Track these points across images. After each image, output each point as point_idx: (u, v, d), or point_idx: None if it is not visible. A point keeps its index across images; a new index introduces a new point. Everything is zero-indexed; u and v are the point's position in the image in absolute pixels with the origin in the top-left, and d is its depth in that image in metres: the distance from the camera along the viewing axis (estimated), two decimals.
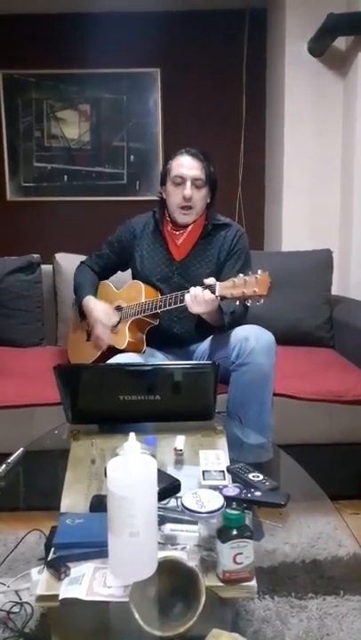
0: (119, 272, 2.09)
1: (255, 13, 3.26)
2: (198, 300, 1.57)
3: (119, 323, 1.87)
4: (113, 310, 1.90)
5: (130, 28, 3.24)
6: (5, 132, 3.38)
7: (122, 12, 3.22)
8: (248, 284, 1.46)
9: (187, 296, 1.60)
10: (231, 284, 1.51)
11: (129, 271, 2.03)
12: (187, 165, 1.81)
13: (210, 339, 1.83)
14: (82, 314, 1.99)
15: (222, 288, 1.53)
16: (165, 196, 1.88)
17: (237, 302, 1.55)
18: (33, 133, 3.39)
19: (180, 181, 1.81)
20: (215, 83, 3.34)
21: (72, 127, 3.40)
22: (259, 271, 1.46)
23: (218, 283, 1.56)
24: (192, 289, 1.60)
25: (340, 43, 2.78)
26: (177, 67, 3.32)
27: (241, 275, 1.49)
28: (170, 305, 1.69)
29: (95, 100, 3.38)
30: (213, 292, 1.55)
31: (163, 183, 1.89)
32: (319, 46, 2.78)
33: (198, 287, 1.59)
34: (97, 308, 1.90)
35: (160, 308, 1.72)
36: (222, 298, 1.55)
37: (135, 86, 3.36)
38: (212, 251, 1.86)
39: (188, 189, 1.79)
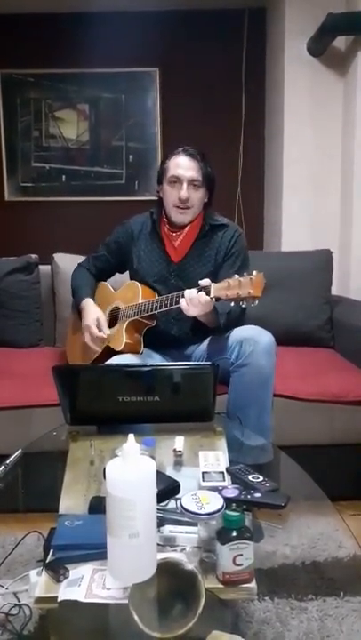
0: (117, 274, 2.08)
1: (254, 13, 3.26)
2: (194, 302, 1.56)
3: (116, 324, 1.86)
4: (107, 320, 1.86)
5: (128, 28, 3.24)
6: (4, 131, 3.37)
7: (121, 11, 3.21)
8: (243, 286, 1.44)
9: (182, 300, 1.59)
10: (226, 285, 1.49)
11: (127, 272, 2.02)
12: (183, 166, 1.79)
13: (208, 340, 1.82)
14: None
15: (217, 289, 1.52)
16: (162, 195, 1.87)
17: (232, 303, 1.54)
18: (31, 133, 3.39)
19: (177, 181, 1.80)
20: (214, 82, 3.33)
21: (71, 127, 3.39)
22: (254, 272, 1.44)
23: (212, 284, 1.54)
24: (187, 292, 1.58)
25: (340, 42, 2.78)
26: (176, 66, 3.31)
27: (236, 276, 1.47)
28: (166, 306, 1.68)
29: (94, 100, 3.38)
30: (208, 294, 1.53)
31: (159, 182, 1.88)
32: (319, 46, 2.78)
33: (193, 289, 1.57)
34: (90, 315, 1.85)
35: (157, 309, 1.71)
36: (217, 299, 1.53)
37: (134, 86, 3.36)
38: (210, 252, 1.85)
39: (184, 191, 1.78)
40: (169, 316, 1.81)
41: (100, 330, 1.82)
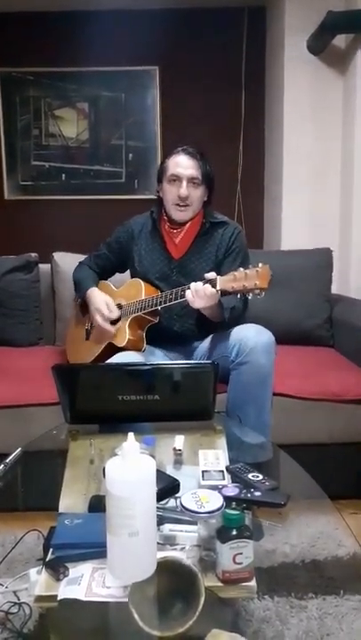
0: (117, 274, 2.08)
1: (254, 11, 3.25)
2: (200, 294, 1.57)
3: (119, 320, 1.86)
4: (115, 305, 1.88)
5: (128, 26, 3.23)
6: (3, 130, 3.36)
7: (120, 9, 3.20)
8: (249, 277, 1.46)
9: (187, 292, 1.59)
10: (232, 277, 1.50)
11: (127, 272, 2.02)
12: (183, 165, 1.80)
13: (210, 338, 1.82)
14: (84, 307, 1.97)
15: (223, 282, 1.53)
16: (162, 194, 1.88)
17: (238, 296, 1.54)
18: (31, 132, 3.38)
19: (176, 179, 1.80)
20: (214, 81, 3.32)
21: (70, 125, 3.38)
22: (260, 264, 1.46)
23: (219, 277, 1.55)
24: (193, 284, 1.59)
25: (340, 40, 2.77)
26: (176, 65, 3.31)
27: (241, 268, 1.49)
28: (170, 301, 1.69)
29: (93, 99, 3.37)
30: (214, 287, 1.54)
31: (159, 181, 1.88)
32: (318, 44, 2.77)
33: (199, 282, 1.58)
34: (98, 299, 1.88)
35: (160, 304, 1.72)
36: (223, 292, 1.54)
37: (134, 84, 3.35)
38: (211, 248, 1.86)
39: (184, 189, 1.79)
40: (172, 312, 1.82)
41: (110, 311, 1.83)
